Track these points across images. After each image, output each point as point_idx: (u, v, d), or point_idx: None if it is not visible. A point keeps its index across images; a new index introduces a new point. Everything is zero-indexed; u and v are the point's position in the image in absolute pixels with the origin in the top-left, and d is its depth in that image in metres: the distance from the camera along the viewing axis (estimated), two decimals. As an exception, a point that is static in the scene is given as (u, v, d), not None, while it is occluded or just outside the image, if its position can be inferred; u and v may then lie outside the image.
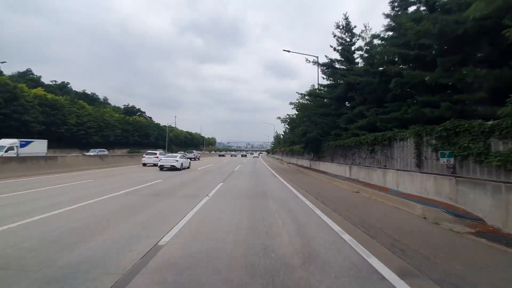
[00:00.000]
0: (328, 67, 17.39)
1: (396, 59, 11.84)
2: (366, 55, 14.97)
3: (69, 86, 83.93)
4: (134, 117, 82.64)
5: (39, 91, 44.79)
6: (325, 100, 20.42)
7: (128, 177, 13.65)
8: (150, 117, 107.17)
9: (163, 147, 69.39)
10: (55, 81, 79.41)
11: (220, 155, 77.48)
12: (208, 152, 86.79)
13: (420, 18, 9.51)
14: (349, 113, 14.43)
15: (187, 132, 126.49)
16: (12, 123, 38.85)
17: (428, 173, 7.76)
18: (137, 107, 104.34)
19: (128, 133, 71.17)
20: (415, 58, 9.85)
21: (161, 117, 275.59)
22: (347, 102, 17.82)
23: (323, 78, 19.64)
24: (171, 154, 22.73)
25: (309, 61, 17.59)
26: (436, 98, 8.71)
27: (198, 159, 41.41)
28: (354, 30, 17.03)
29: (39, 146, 29.83)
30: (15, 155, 21.40)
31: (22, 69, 68.51)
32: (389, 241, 4.38)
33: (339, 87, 17.37)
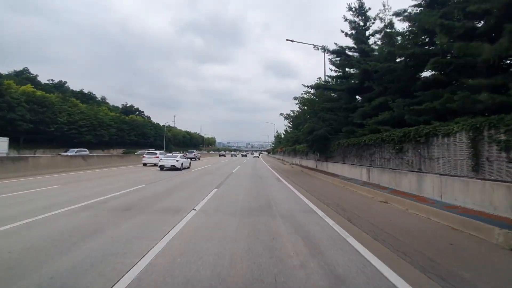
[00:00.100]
0: (338, 55, 15.26)
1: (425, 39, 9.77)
2: (384, 40, 12.85)
3: (66, 85, 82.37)
4: (130, 116, 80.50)
5: (28, 87, 42.48)
6: (332, 94, 18.37)
7: (108, 182, 11.57)
8: (149, 117, 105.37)
9: (160, 147, 67.28)
10: (52, 80, 77.60)
11: (220, 155, 76.47)
12: (206, 152, 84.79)
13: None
14: (366, 106, 12.32)
15: (186, 132, 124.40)
16: (-4, 122, 36.68)
17: (495, 181, 5.66)
18: (135, 107, 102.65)
19: (124, 132, 68.96)
20: (461, 31, 7.70)
21: (161, 117, 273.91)
22: (358, 96, 15.75)
23: (331, 70, 17.56)
24: (171, 154, 22.79)
25: (318, 48, 15.47)
26: (497, 81, 6.60)
27: (199, 159, 40.13)
28: (368, 13, 14.98)
29: None
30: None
31: (21, 69, 66.80)
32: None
33: (351, 77, 15.29)
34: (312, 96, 18.93)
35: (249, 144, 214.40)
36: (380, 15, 13.20)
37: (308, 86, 17.62)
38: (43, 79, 70.39)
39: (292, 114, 21.10)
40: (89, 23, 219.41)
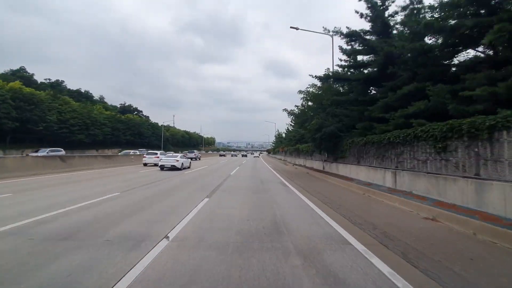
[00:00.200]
0: (353, 39, 13.14)
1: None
2: (411, 19, 10.76)
3: (63, 84, 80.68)
4: (127, 115, 78.36)
5: (16, 84, 40.20)
6: (340, 88, 16.34)
7: (78, 188, 9.51)
8: (147, 116, 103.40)
9: (158, 147, 65.14)
10: (49, 79, 75.64)
11: (220, 155, 75.52)
12: (205, 152, 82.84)
13: None
14: (390, 96, 10.24)
15: (185, 132, 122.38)
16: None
17: None
18: (134, 106, 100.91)
19: (119, 131, 66.75)
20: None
21: (161, 117, 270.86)
22: (375, 86, 13.69)
23: (340, 60, 15.48)
24: (171, 154, 22.61)
25: (329, 31, 13.38)
26: None
27: (199, 159, 38.90)
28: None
29: None
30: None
31: (18, 68, 64.95)
32: None
33: (365, 66, 13.24)
34: (319, 91, 16.81)
35: (249, 144, 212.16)
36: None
37: (316, 77, 15.53)
38: (41, 78, 68.75)
39: (296, 111, 19.00)
40: (89, 23, 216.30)
